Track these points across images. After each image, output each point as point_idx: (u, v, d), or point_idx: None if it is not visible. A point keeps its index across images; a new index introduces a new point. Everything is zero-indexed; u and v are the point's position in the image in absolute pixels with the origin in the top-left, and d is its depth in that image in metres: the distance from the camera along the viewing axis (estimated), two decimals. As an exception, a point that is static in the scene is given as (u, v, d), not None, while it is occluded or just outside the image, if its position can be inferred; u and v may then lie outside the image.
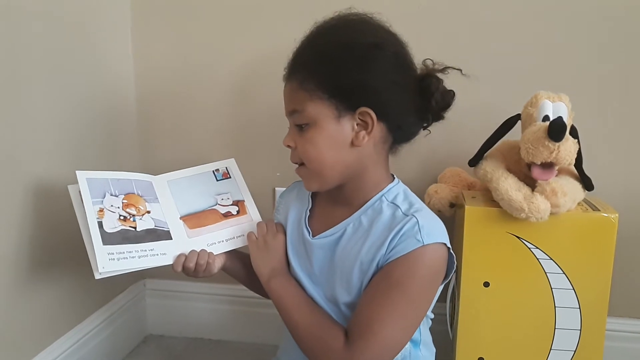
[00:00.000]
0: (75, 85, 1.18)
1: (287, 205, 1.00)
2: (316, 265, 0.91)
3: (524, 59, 1.23)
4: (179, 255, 0.94)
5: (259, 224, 1.00)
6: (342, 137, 0.83)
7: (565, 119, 0.99)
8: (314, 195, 0.96)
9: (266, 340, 1.43)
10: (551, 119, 1.00)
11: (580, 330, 1.03)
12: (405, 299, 0.80)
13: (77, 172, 0.93)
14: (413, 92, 0.84)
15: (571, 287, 1.02)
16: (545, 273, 1.02)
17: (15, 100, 1.01)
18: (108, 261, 0.87)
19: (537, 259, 1.02)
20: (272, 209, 1.24)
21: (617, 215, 0.99)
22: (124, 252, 0.89)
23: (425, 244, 0.80)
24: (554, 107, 1.03)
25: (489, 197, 1.05)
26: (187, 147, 1.42)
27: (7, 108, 0.99)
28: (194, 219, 1.00)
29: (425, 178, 1.27)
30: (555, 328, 1.04)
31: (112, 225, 0.91)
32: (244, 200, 1.04)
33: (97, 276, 0.86)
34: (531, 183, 1.01)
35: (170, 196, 1.01)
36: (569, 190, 0.98)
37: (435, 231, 0.83)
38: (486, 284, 1.05)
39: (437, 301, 0.90)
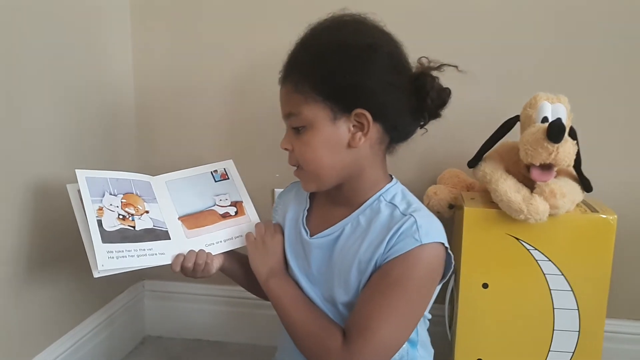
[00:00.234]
0: (74, 84, 1.18)
1: (285, 205, 1.00)
2: (314, 265, 0.91)
3: (523, 60, 1.24)
4: (178, 255, 0.94)
5: (257, 224, 1.00)
6: (339, 139, 0.83)
7: (564, 121, 1.00)
8: (312, 196, 0.96)
9: (264, 341, 1.43)
10: (550, 120, 1.00)
11: (579, 331, 1.03)
12: (403, 298, 0.80)
13: (76, 170, 0.93)
14: (408, 91, 0.84)
15: (570, 289, 1.02)
16: (544, 274, 1.02)
17: (14, 99, 1.01)
18: (107, 259, 0.87)
19: (536, 260, 1.02)
20: (271, 209, 1.24)
21: (615, 216, 0.99)
22: (122, 251, 0.89)
23: (423, 243, 0.80)
24: (553, 109, 1.03)
25: (488, 199, 1.05)
26: (185, 147, 1.42)
27: (6, 107, 0.99)
28: (192, 220, 1.00)
29: (424, 179, 1.27)
30: (553, 329, 1.04)
31: (112, 223, 0.91)
32: (242, 201, 1.04)
33: (96, 274, 0.86)
34: (530, 184, 1.01)
35: (169, 196, 1.01)
36: (568, 192, 0.99)
37: (433, 231, 0.83)
38: (485, 286, 1.05)
39: (436, 302, 0.90)
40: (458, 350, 1.08)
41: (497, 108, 1.16)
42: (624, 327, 1.27)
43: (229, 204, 1.03)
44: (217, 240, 0.98)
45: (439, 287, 0.88)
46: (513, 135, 1.10)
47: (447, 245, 0.84)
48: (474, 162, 1.13)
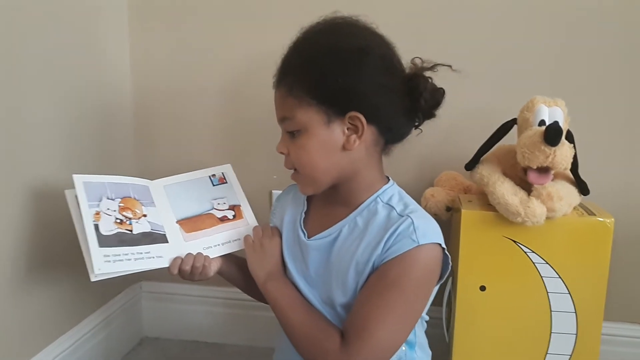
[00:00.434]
0: (72, 85, 1.18)
1: (283, 208, 1.00)
2: (312, 267, 0.91)
3: (520, 63, 1.24)
4: (175, 258, 0.94)
5: (255, 227, 1.00)
6: (333, 142, 0.83)
7: (561, 124, 1.00)
8: (309, 198, 0.96)
9: (262, 343, 1.43)
10: (547, 123, 1.00)
11: (576, 334, 1.03)
12: (400, 299, 0.80)
13: (74, 175, 0.93)
14: (402, 93, 0.84)
15: (567, 292, 1.02)
16: (541, 277, 1.03)
17: (12, 102, 1.01)
18: (104, 263, 0.87)
19: (533, 263, 1.02)
20: (268, 211, 1.24)
21: (612, 219, 1.00)
22: (119, 255, 0.89)
23: (420, 244, 0.80)
24: (550, 112, 1.03)
25: (485, 201, 1.05)
26: (183, 149, 1.42)
27: (5, 110, 0.99)
28: (190, 223, 1.00)
29: (421, 181, 1.28)
30: (551, 332, 1.04)
31: (109, 228, 0.91)
32: (240, 205, 1.04)
33: (93, 278, 0.86)
34: (527, 187, 1.01)
35: (167, 200, 1.01)
36: (565, 195, 0.99)
37: (430, 232, 0.83)
38: (482, 288, 1.05)
39: (433, 305, 0.90)
40: (455, 353, 1.08)
41: (494, 111, 1.16)
42: (621, 330, 1.28)
43: (227, 207, 1.03)
44: (215, 244, 0.98)
45: (436, 288, 0.88)
46: (510, 139, 1.10)
47: (444, 246, 0.84)
48: (471, 165, 1.13)
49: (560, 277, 1.02)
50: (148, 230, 0.95)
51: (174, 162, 1.41)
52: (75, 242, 0.90)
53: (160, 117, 1.42)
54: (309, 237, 0.92)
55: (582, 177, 1.05)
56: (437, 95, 0.86)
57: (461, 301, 1.06)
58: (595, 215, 1.02)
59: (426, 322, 0.96)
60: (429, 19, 1.26)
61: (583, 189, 1.05)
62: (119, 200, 0.96)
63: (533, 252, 1.02)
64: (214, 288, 1.45)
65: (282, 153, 0.89)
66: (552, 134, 0.95)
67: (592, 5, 1.20)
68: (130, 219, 0.94)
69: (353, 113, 0.82)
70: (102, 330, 1.32)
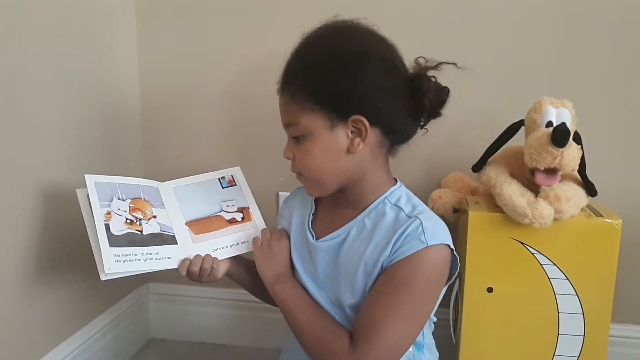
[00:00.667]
0: (80, 90, 1.19)
1: (291, 210, 1.00)
2: (320, 269, 0.91)
3: (527, 65, 1.24)
4: (184, 260, 0.94)
5: (263, 229, 1.00)
6: (338, 146, 0.84)
7: (568, 125, 1.00)
8: (317, 199, 0.97)
9: (269, 344, 1.43)
10: (554, 124, 1.00)
11: (584, 336, 1.03)
12: (409, 300, 0.81)
13: (85, 175, 0.94)
14: (404, 94, 0.84)
15: (575, 293, 1.02)
16: (549, 279, 1.02)
17: (21, 104, 1.02)
18: (114, 262, 0.87)
19: (541, 264, 1.02)
20: (276, 213, 1.25)
21: (620, 221, 0.99)
22: (129, 255, 0.90)
23: (429, 245, 0.80)
24: (558, 113, 1.03)
25: (493, 203, 1.05)
26: (190, 151, 1.43)
27: (14, 112, 1.00)
28: (199, 225, 1.00)
29: (428, 183, 1.28)
30: (558, 334, 1.04)
31: (119, 228, 0.92)
32: (248, 207, 1.05)
33: (103, 277, 0.87)
34: (534, 189, 1.01)
35: (176, 202, 1.02)
36: (573, 196, 0.99)
37: (438, 233, 0.83)
38: (490, 290, 1.05)
39: (440, 306, 0.90)
40: (463, 354, 1.08)
41: (501, 112, 1.16)
42: (629, 331, 1.27)
43: (236, 209, 1.04)
44: (223, 246, 0.99)
45: (444, 290, 0.89)
46: (517, 140, 1.10)
47: (452, 247, 0.85)
48: (478, 167, 1.13)
49: (567, 279, 1.02)
50: (157, 231, 0.96)
51: (181, 164, 1.41)
52: (83, 244, 0.91)
53: (167, 119, 1.43)
54: (317, 239, 0.92)
55: (590, 178, 1.05)
56: (441, 95, 0.86)
57: (468, 303, 1.06)
58: (602, 216, 1.01)
59: (434, 323, 0.96)
60: (434, 19, 1.26)
61: (590, 190, 1.05)
62: (130, 201, 0.96)
63: (540, 253, 1.02)
64: (222, 289, 1.45)
65: (288, 158, 0.89)
66: (560, 135, 0.95)
67: (597, 5, 1.20)
68: (140, 219, 0.95)
69: (356, 116, 0.82)
70: (110, 332, 1.32)
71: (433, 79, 0.86)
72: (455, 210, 1.16)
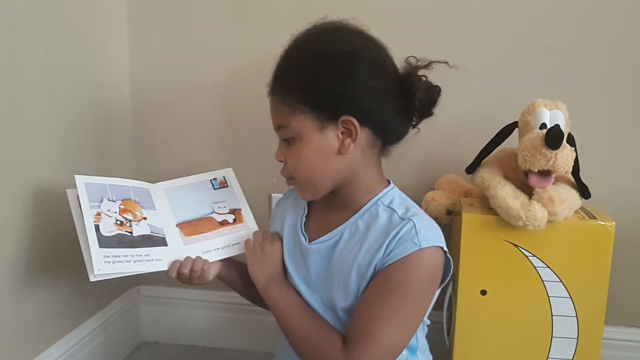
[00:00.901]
0: (71, 89, 1.18)
1: (284, 212, 1.00)
2: (313, 271, 0.90)
3: (521, 66, 1.24)
4: (174, 262, 0.94)
5: (255, 232, 1.00)
6: (328, 147, 0.84)
7: (562, 127, 1.00)
8: (310, 202, 0.96)
9: (261, 347, 1.42)
10: (548, 126, 1.00)
11: (578, 338, 1.03)
12: (403, 302, 0.80)
13: (75, 176, 0.94)
14: (394, 94, 0.84)
15: (568, 296, 1.02)
16: (543, 281, 1.02)
17: (11, 103, 1.01)
18: (104, 264, 0.86)
19: (534, 267, 1.02)
20: (268, 215, 1.24)
21: (614, 223, 0.99)
22: (119, 256, 0.89)
23: (422, 247, 0.80)
24: (551, 115, 1.04)
25: (486, 205, 1.05)
26: (182, 152, 1.42)
27: (5, 113, 0.99)
28: (190, 227, 1.00)
29: (422, 185, 1.27)
30: (552, 336, 1.04)
31: (109, 229, 0.91)
32: (240, 209, 1.04)
33: (92, 278, 0.86)
34: (528, 191, 1.01)
35: (167, 204, 1.01)
36: (566, 198, 0.99)
37: (431, 235, 0.83)
38: (483, 292, 1.04)
39: (434, 309, 0.90)
40: (456, 357, 1.08)
41: (495, 114, 1.16)
42: (622, 334, 1.27)
43: (228, 211, 1.03)
44: (214, 248, 0.98)
45: (438, 292, 0.88)
46: (511, 142, 1.10)
47: (445, 249, 0.84)
48: (472, 168, 1.13)
49: (561, 281, 1.02)
50: (148, 233, 0.95)
51: (173, 165, 1.40)
52: (73, 245, 0.90)
53: (159, 119, 1.42)
54: (310, 241, 0.91)
55: (584, 180, 1.05)
56: (432, 94, 0.86)
57: (462, 305, 1.06)
58: (596, 218, 1.01)
59: (427, 326, 0.96)
60: (428, 20, 1.26)
61: (584, 192, 1.05)
62: (120, 202, 0.96)
63: (534, 255, 1.02)
64: (213, 292, 1.44)
65: (280, 161, 0.89)
66: (553, 137, 0.94)
67: (595, 7, 1.20)
68: (130, 221, 0.94)
69: (345, 117, 0.82)
70: (100, 335, 1.31)
71: (424, 78, 0.86)
72: (449, 212, 1.16)
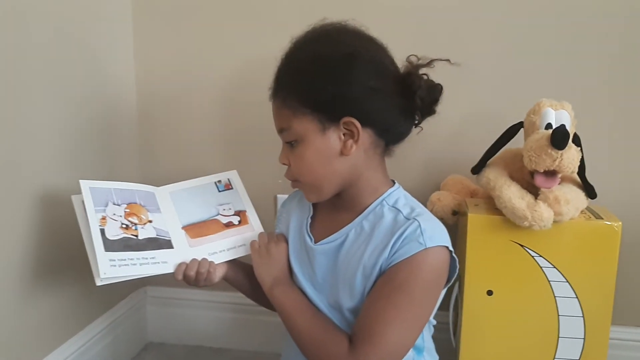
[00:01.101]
0: (76, 95, 1.18)
1: (289, 213, 1.00)
2: (319, 272, 0.90)
3: (527, 66, 1.23)
4: (180, 264, 0.94)
5: (260, 233, 1.00)
6: (331, 149, 0.84)
7: (568, 127, 0.99)
8: (315, 203, 0.96)
9: (268, 348, 1.43)
10: (554, 126, 1.00)
11: (584, 338, 1.03)
12: (408, 302, 0.80)
13: (80, 181, 0.94)
14: (395, 94, 0.84)
15: (575, 296, 1.02)
16: (549, 281, 1.02)
17: (17, 109, 1.01)
18: (109, 267, 0.87)
19: (541, 267, 1.02)
20: (274, 216, 1.24)
21: (620, 223, 0.99)
22: (125, 259, 0.89)
23: (427, 247, 0.80)
24: (557, 115, 1.03)
25: (492, 205, 1.05)
26: (187, 154, 1.42)
27: (10, 117, 0.99)
28: (195, 229, 1.00)
29: (427, 185, 1.27)
30: (558, 337, 1.03)
31: (114, 232, 0.91)
32: (245, 211, 1.04)
33: (99, 282, 0.86)
34: (534, 191, 1.01)
35: (172, 207, 1.01)
36: (572, 198, 0.98)
37: (437, 234, 0.83)
38: (489, 293, 1.04)
39: (440, 309, 0.90)
40: (462, 358, 1.08)
41: (500, 114, 1.16)
42: (629, 334, 1.27)
43: (233, 213, 1.03)
44: (220, 249, 0.98)
45: (443, 292, 0.88)
46: (517, 142, 1.10)
47: (451, 248, 0.84)
48: (477, 169, 1.12)
49: (567, 281, 1.01)
50: (153, 235, 0.95)
51: (178, 168, 1.40)
52: (80, 248, 0.90)
53: (164, 123, 1.42)
54: (315, 242, 0.92)
55: (589, 180, 1.05)
56: (434, 92, 0.86)
57: (468, 306, 1.06)
58: (602, 218, 1.01)
59: (433, 326, 0.96)
60: (434, 20, 1.25)
61: (590, 192, 1.04)
62: (125, 206, 0.96)
63: (540, 256, 1.02)
64: (220, 293, 1.45)
65: (284, 164, 0.89)
66: (559, 137, 0.94)
67: (598, 7, 1.19)
68: (135, 224, 0.94)
69: (347, 118, 0.82)
70: (107, 335, 1.32)
71: (425, 77, 0.86)
72: (455, 213, 1.16)
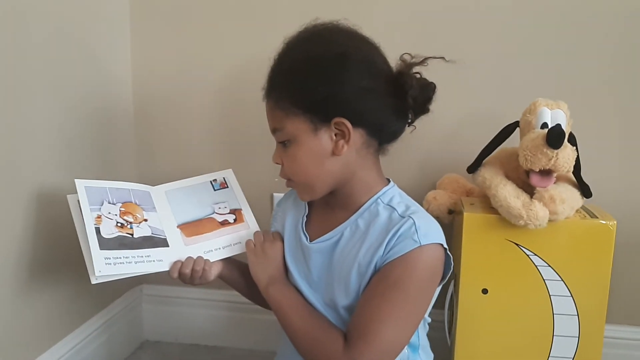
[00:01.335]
0: (73, 94, 1.18)
1: (284, 212, 1.00)
2: (314, 270, 0.91)
3: (522, 66, 1.23)
4: (175, 262, 0.94)
5: (256, 232, 1.00)
6: (322, 149, 0.84)
7: (563, 127, 1.00)
8: (310, 201, 0.96)
9: (263, 346, 1.43)
10: (549, 126, 1.00)
11: (579, 337, 1.03)
12: (403, 300, 0.80)
13: (76, 180, 0.94)
14: (387, 93, 0.84)
15: (569, 294, 1.02)
16: (544, 280, 1.02)
17: (14, 108, 1.01)
18: (105, 265, 0.87)
19: (536, 266, 1.02)
20: (270, 214, 1.24)
21: (615, 222, 0.99)
22: (120, 257, 0.89)
23: (422, 244, 0.80)
24: (553, 115, 1.03)
25: (488, 204, 1.05)
26: (184, 153, 1.42)
27: (7, 116, 0.99)
28: (191, 227, 1.00)
29: (423, 184, 1.27)
30: (553, 335, 1.04)
31: (109, 231, 0.91)
32: (241, 209, 1.04)
33: (94, 281, 0.86)
34: (529, 190, 1.01)
35: (168, 205, 1.01)
36: (568, 198, 0.99)
37: (431, 232, 0.83)
38: (484, 291, 1.04)
39: (435, 308, 0.90)
40: (457, 356, 1.08)
41: (496, 114, 1.16)
42: (623, 332, 1.27)
43: (228, 211, 1.03)
44: (215, 247, 0.98)
45: (438, 289, 0.88)
46: (512, 141, 1.10)
47: (446, 246, 0.84)
48: (473, 168, 1.13)
49: (562, 280, 1.02)
50: (149, 234, 0.95)
51: (175, 167, 1.40)
52: (75, 246, 0.90)
53: (161, 122, 1.42)
54: (311, 241, 0.92)
55: (585, 179, 1.05)
56: (427, 91, 0.86)
57: (463, 304, 1.06)
58: (597, 217, 1.01)
59: (428, 324, 0.96)
60: (432, 20, 1.25)
61: (585, 191, 1.05)
62: (120, 204, 0.96)
63: (535, 255, 1.02)
64: (215, 291, 1.45)
65: (277, 164, 0.90)
66: (555, 137, 0.94)
67: (596, 8, 1.20)
68: (131, 223, 0.94)
69: (338, 119, 0.82)
70: (103, 334, 1.31)
71: (417, 76, 0.86)
72: (451, 212, 1.16)
